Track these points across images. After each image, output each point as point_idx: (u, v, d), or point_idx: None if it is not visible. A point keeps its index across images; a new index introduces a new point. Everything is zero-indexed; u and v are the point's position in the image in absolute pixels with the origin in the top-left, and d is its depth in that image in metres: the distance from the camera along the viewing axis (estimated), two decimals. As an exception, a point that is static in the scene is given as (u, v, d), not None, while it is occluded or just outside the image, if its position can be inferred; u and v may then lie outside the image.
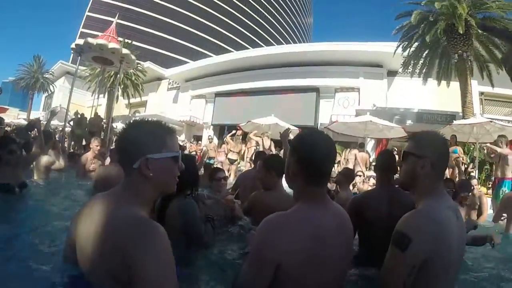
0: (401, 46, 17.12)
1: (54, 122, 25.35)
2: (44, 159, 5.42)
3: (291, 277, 1.43)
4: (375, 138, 16.83)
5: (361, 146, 13.77)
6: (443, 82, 17.56)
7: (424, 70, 17.61)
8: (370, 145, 18.07)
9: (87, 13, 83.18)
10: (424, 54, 17.16)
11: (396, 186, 2.75)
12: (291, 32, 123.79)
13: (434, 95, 19.38)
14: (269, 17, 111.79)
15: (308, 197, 1.58)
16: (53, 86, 41.93)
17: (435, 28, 14.64)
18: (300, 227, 1.47)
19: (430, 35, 14.62)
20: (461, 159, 11.07)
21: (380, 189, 2.95)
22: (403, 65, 18.01)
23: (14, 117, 34.54)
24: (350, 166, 12.59)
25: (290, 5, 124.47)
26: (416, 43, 16.64)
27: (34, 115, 39.17)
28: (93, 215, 1.34)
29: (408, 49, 16.98)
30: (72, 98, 13.49)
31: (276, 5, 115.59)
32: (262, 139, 13.31)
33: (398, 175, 2.12)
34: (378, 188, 3.07)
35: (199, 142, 24.65)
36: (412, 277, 1.56)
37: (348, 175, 5.95)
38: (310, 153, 1.56)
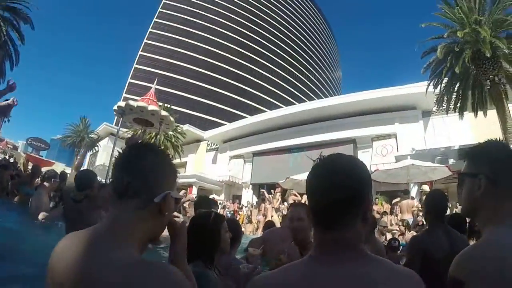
0: (431, 83, 16.71)
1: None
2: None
3: None
4: (419, 182, 16.10)
5: (406, 193, 13.27)
6: (480, 113, 16.69)
7: (458, 104, 16.87)
8: (413, 191, 17.29)
9: (129, 80, 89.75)
10: (456, 88, 16.60)
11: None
12: (322, 88, 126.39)
13: (473, 128, 18.61)
14: (299, 75, 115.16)
15: (315, 249, 1.18)
16: (98, 146, 43.83)
17: (462, 58, 14.20)
18: None
19: (459, 66, 14.17)
20: None
21: (437, 229, 2.91)
22: (437, 102, 17.54)
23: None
24: (395, 217, 12.32)
25: (319, 62, 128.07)
26: (446, 78, 16.17)
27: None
28: (96, 261, 1.04)
29: (439, 85, 16.52)
30: (114, 158, 14.03)
31: (306, 63, 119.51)
32: (302, 196, 12.67)
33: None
34: (433, 228, 3.00)
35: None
36: None
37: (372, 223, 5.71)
38: (308, 182, 1.24)
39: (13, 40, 21.73)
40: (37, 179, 8.12)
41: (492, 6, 14.51)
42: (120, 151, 1.26)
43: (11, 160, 18.92)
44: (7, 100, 6.89)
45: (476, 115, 16.72)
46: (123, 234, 1.10)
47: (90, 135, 43.14)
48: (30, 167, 16.96)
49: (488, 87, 14.67)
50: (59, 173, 7.40)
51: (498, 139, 1.52)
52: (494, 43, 13.52)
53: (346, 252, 1.08)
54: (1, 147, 26.62)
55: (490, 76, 14.26)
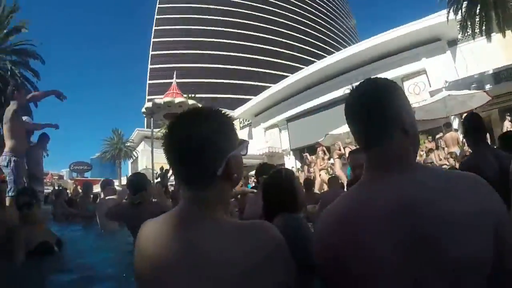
0: (451, 10, 15.95)
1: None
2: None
3: None
4: (459, 114, 15.38)
5: (448, 126, 12.85)
6: (508, 32, 15.57)
7: (483, 27, 15.84)
8: (455, 123, 16.56)
9: (148, 81, 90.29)
10: (478, 10, 15.58)
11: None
12: (339, 40, 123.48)
13: (504, 49, 17.68)
14: (315, 33, 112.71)
15: (365, 171, 1.23)
16: (136, 152, 44.86)
17: (479, -25, 13.31)
18: None
19: (477, -15, 13.27)
20: None
21: (482, 150, 3.01)
22: (461, 29, 16.62)
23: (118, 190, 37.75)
24: (442, 151, 12.11)
25: (329, 13, 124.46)
26: (465, 2, 15.37)
27: (124, 181, 42.44)
28: (192, 244, 1.05)
29: (460, 10, 15.70)
30: (154, 158, 14.25)
31: (317, 19, 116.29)
32: (345, 149, 12.53)
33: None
34: (479, 150, 3.09)
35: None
36: None
37: None
38: (345, 109, 1.29)
39: (29, 78, 22.48)
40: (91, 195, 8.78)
41: None
42: (165, 135, 1.18)
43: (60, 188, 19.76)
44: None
45: (504, 35, 15.72)
46: (205, 209, 1.12)
47: (126, 144, 44.32)
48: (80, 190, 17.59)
49: (511, 3, 13.84)
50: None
51: None
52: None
53: (394, 164, 1.11)
54: (47, 180, 27.86)
55: (512, -9, 13.41)
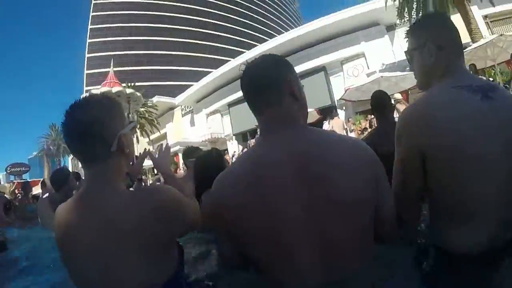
0: None
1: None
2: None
3: None
4: (391, 94, 15.87)
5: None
6: None
7: (420, 13, 16.39)
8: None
9: (85, 71, 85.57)
10: None
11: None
12: (282, 23, 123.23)
13: None
14: (255, 16, 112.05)
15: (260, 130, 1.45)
16: None
17: (415, -36, 13.71)
18: None
19: (413, -28, 13.69)
20: None
21: (382, 125, 3.30)
22: (398, 14, 17.31)
23: (48, 185, 36.22)
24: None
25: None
26: None
27: (67, 178, 40.68)
28: (97, 215, 1.22)
29: None
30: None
31: (259, 2, 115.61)
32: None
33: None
34: (380, 125, 3.41)
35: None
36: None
37: None
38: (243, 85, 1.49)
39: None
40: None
41: None
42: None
43: (-4, 194, 18.73)
44: None
45: (440, 21, 16.16)
46: (105, 181, 1.28)
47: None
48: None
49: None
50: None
51: (434, 11, 1.66)
52: None
53: (283, 124, 1.27)
54: None
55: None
